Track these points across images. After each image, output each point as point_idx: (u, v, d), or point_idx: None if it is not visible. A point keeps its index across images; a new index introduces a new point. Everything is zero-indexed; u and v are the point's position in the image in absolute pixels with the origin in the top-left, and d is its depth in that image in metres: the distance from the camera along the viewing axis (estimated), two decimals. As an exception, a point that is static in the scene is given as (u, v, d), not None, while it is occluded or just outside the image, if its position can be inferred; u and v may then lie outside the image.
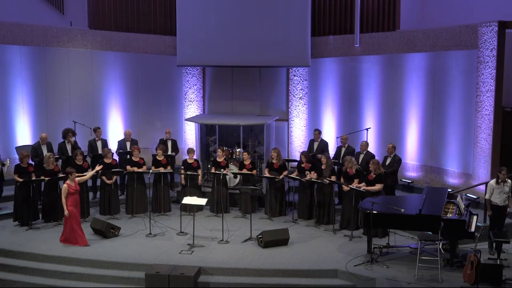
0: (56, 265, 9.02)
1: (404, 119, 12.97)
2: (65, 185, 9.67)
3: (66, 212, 9.56)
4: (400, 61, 12.92)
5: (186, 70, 14.90)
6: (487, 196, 9.39)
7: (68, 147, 11.82)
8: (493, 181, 9.36)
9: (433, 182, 12.34)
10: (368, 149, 11.69)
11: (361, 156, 11.51)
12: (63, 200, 9.59)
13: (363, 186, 10.15)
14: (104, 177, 11.13)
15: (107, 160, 11.28)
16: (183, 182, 11.70)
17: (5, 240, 9.82)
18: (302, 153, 11.42)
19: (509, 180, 9.30)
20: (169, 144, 12.81)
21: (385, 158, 11.36)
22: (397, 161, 11.25)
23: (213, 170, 11.57)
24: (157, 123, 14.76)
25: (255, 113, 14.68)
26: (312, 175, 10.94)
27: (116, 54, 14.28)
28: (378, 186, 10.11)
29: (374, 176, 10.12)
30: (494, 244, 9.23)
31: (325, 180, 10.68)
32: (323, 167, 10.89)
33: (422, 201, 9.02)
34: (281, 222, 11.09)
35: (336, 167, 11.43)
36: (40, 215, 10.82)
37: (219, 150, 11.81)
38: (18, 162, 10.73)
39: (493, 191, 9.29)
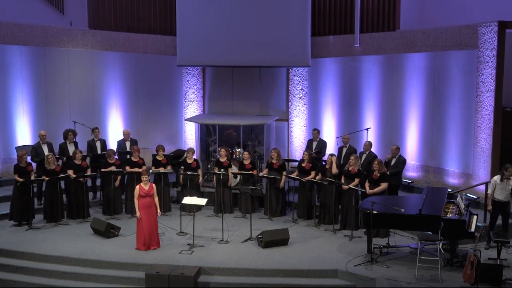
0: (56, 265, 9.01)
1: (404, 119, 12.97)
2: (137, 186, 9.43)
3: (137, 214, 9.34)
4: (400, 61, 12.92)
5: (186, 70, 14.90)
6: (489, 191, 9.47)
7: (70, 147, 11.83)
8: (497, 177, 9.45)
9: (433, 182, 12.33)
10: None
11: (364, 156, 11.47)
12: (135, 202, 9.36)
13: (368, 190, 10.09)
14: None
15: (111, 161, 11.27)
16: (182, 182, 11.70)
17: (5, 240, 9.81)
18: (306, 151, 11.39)
19: None
20: None
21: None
22: (402, 162, 11.22)
23: (216, 170, 11.58)
24: (157, 123, 14.77)
25: (255, 113, 14.67)
26: (317, 178, 10.85)
27: (116, 54, 14.27)
28: (383, 186, 10.08)
29: (378, 175, 10.11)
30: (491, 242, 9.32)
31: (324, 180, 10.68)
32: (327, 166, 10.85)
33: (422, 201, 9.01)
34: (281, 222, 11.09)
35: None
36: (42, 215, 10.79)
37: (222, 150, 11.81)
38: (17, 162, 10.72)
39: (495, 187, 9.38)
